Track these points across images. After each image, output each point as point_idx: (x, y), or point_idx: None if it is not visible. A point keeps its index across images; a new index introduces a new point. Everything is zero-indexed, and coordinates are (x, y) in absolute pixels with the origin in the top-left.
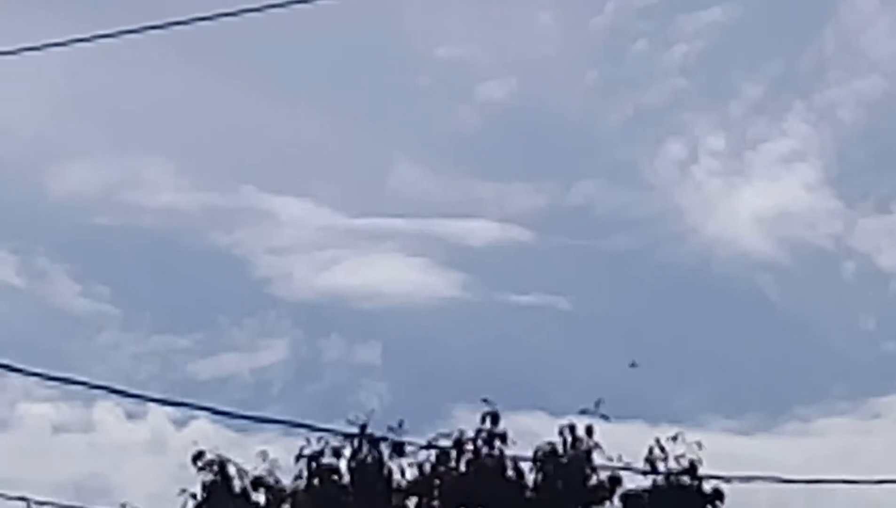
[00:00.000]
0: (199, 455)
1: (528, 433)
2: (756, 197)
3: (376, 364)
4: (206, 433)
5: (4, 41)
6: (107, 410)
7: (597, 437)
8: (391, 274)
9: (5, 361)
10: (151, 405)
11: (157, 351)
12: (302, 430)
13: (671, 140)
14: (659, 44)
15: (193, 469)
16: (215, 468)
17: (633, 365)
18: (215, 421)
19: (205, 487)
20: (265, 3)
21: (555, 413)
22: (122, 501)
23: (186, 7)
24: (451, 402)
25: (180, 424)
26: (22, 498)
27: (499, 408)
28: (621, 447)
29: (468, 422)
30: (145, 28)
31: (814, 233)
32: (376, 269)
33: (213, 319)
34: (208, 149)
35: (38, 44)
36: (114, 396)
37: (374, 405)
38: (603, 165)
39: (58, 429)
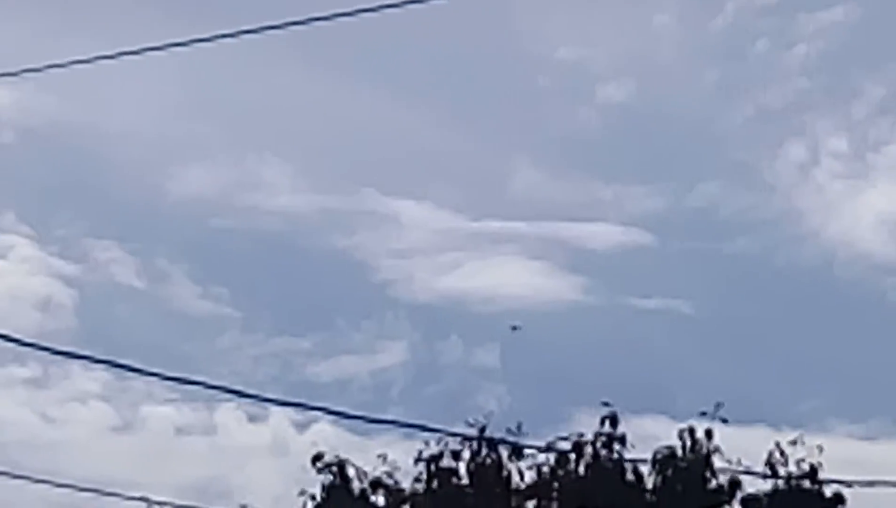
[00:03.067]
0: (318, 457)
1: (650, 437)
2: (879, 199)
3: (495, 367)
4: (327, 436)
5: (126, 42)
6: (229, 412)
7: (717, 441)
8: (511, 277)
9: (130, 363)
10: (273, 408)
11: (277, 353)
12: (422, 433)
13: (792, 141)
14: (780, 44)
15: (313, 471)
16: (335, 469)
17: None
18: (336, 424)
19: (324, 488)
20: (384, 3)
21: (676, 417)
22: (243, 503)
23: (307, 8)
24: (572, 405)
25: (302, 427)
26: (143, 499)
27: (619, 411)
28: (742, 451)
29: (588, 426)
30: (264, 28)
31: None
32: (497, 272)
33: (332, 321)
34: (328, 151)
35: (159, 44)
36: (236, 399)
37: (493, 407)
38: (723, 166)
39: (180, 431)
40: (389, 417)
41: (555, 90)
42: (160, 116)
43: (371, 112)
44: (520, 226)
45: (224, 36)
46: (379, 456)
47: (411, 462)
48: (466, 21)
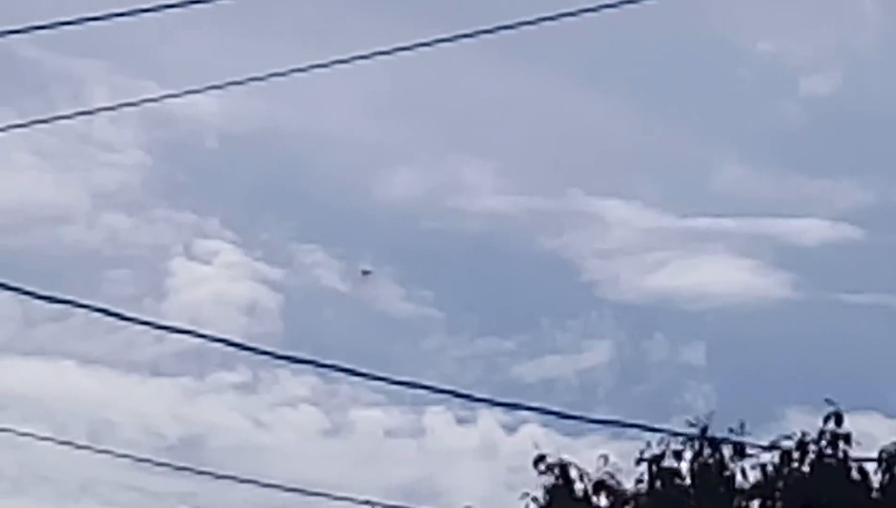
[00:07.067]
0: (540, 459)
1: (863, 435)
2: None
3: (702, 365)
4: (537, 438)
5: (332, 45)
6: (437, 415)
7: None
8: (719, 275)
9: (341, 366)
10: (482, 410)
11: (482, 354)
12: (631, 432)
13: None
14: None
15: (526, 474)
16: (556, 471)
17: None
18: (546, 425)
19: (547, 490)
20: (600, 3)
21: (891, 415)
22: (467, 504)
23: (507, 11)
24: (781, 403)
25: (510, 429)
26: (367, 502)
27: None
28: None
29: (800, 424)
30: (459, 36)
31: None
32: (704, 270)
33: (537, 321)
34: (534, 152)
35: (367, 52)
36: (444, 402)
37: (700, 406)
38: None
39: (389, 434)
40: (608, 417)
41: (758, 83)
42: (366, 119)
43: (574, 110)
44: (726, 223)
45: (423, 45)
46: (600, 457)
47: (629, 462)
48: (667, 16)
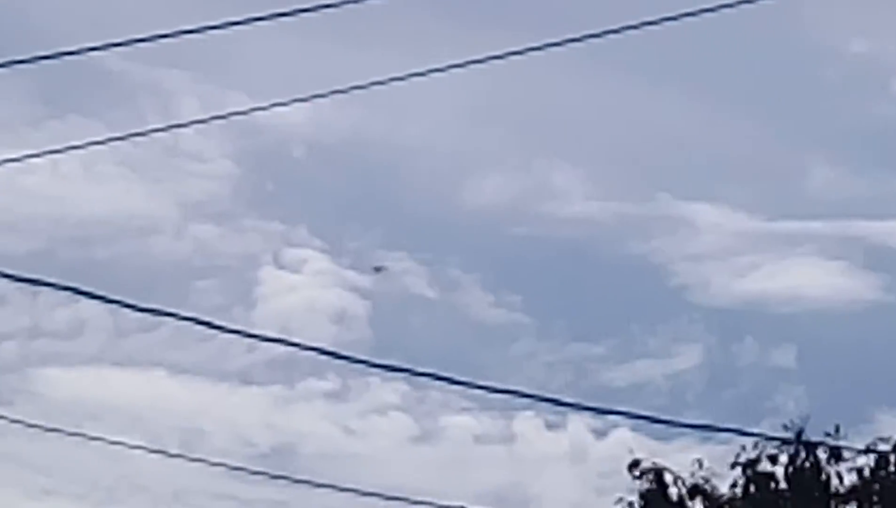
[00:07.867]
0: (635, 464)
1: None
2: None
3: (792, 368)
4: (627, 443)
5: (420, 58)
6: (527, 421)
7: None
8: (809, 278)
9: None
10: (571, 415)
11: (572, 359)
12: (721, 436)
13: None
14: None
15: (616, 478)
16: (651, 476)
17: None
18: (636, 429)
19: (642, 495)
20: (663, 14)
21: None
22: None
23: (593, 18)
24: (874, 406)
25: (600, 434)
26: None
27: None
28: None
29: (894, 427)
30: (548, 45)
31: None
32: (794, 273)
33: (627, 326)
34: (621, 157)
35: (461, 61)
36: (534, 407)
37: (791, 410)
38: None
39: (479, 440)
40: (701, 422)
41: (848, 84)
42: (454, 127)
43: (663, 116)
44: (817, 225)
45: (514, 53)
46: (695, 462)
47: (719, 466)
48: (755, 19)
